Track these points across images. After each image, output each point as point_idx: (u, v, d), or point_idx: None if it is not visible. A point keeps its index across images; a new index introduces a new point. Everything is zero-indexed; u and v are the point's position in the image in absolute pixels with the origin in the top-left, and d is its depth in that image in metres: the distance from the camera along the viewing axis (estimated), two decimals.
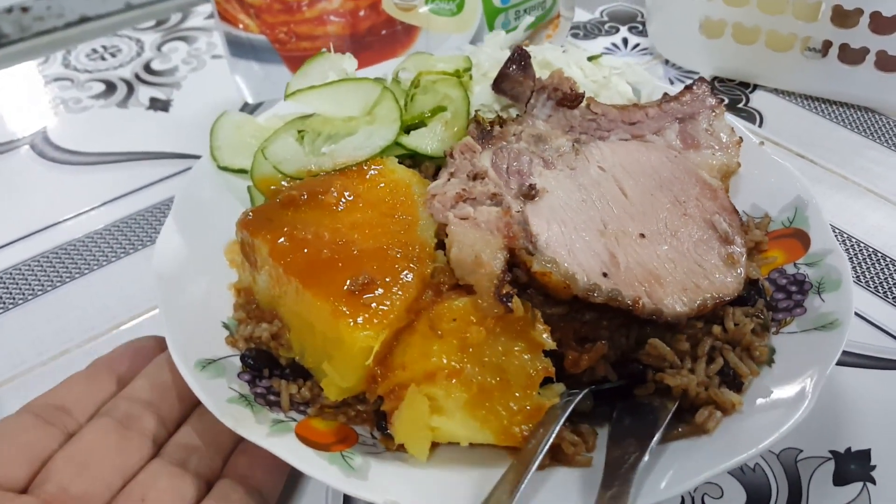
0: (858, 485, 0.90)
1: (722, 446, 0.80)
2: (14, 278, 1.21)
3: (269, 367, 0.90)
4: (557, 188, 0.97)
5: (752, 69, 1.63)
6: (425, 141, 1.05)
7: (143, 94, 1.67)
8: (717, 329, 0.91)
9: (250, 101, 1.56)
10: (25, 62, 1.79)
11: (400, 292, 0.83)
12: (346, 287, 0.82)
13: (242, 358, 0.90)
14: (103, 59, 1.79)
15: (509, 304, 0.80)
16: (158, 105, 1.63)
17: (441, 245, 0.91)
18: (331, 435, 0.84)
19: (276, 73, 1.47)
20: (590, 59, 1.27)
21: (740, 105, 1.59)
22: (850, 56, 1.50)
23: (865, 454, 0.94)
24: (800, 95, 1.61)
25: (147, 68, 1.75)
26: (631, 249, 0.93)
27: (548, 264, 0.85)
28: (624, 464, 0.77)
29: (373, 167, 0.99)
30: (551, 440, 0.79)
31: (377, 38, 1.44)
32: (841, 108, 1.56)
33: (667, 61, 1.73)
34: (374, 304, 0.81)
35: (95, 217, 1.33)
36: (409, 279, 0.85)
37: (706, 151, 1.08)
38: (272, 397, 0.87)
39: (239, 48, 1.48)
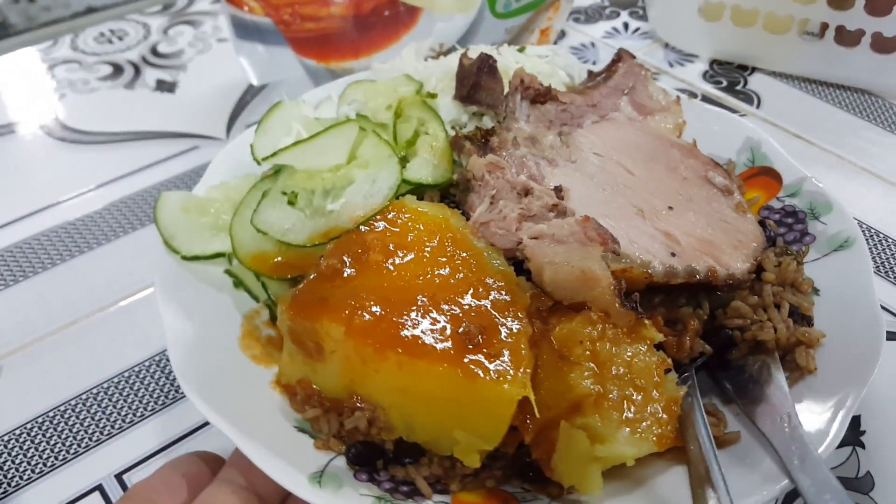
0: (848, 449, 0.90)
1: (837, 378, 0.80)
2: (24, 252, 1.19)
3: (378, 458, 0.78)
4: (574, 184, 0.91)
5: (750, 52, 1.58)
6: (424, 171, 0.94)
7: (150, 75, 1.62)
8: (769, 276, 0.89)
9: (255, 82, 1.50)
10: (35, 46, 1.73)
11: (516, 329, 0.74)
12: (459, 343, 0.72)
13: (348, 458, 0.77)
14: (110, 42, 1.74)
15: (638, 308, 0.76)
16: (165, 86, 1.59)
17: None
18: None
19: (281, 54, 1.41)
20: (518, 51, 1.21)
21: (738, 87, 1.54)
22: (847, 38, 1.45)
23: (856, 420, 0.93)
24: (797, 78, 1.56)
25: (154, 51, 1.70)
26: (674, 224, 0.90)
27: (624, 260, 0.79)
28: (784, 427, 0.75)
29: (399, 212, 0.86)
30: (709, 427, 0.75)
31: (380, 18, 1.36)
32: (838, 91, 1.52)
33: (667, 45, 1.67)
34: (504, 351, 0.72)
35: (103, 194, 1.31)
36: (519, 315, 0.76)
37: (658, 116, 1.08)
38: (405, 487, 0.76)
39: (244, 30, 1.42)
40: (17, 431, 0.94)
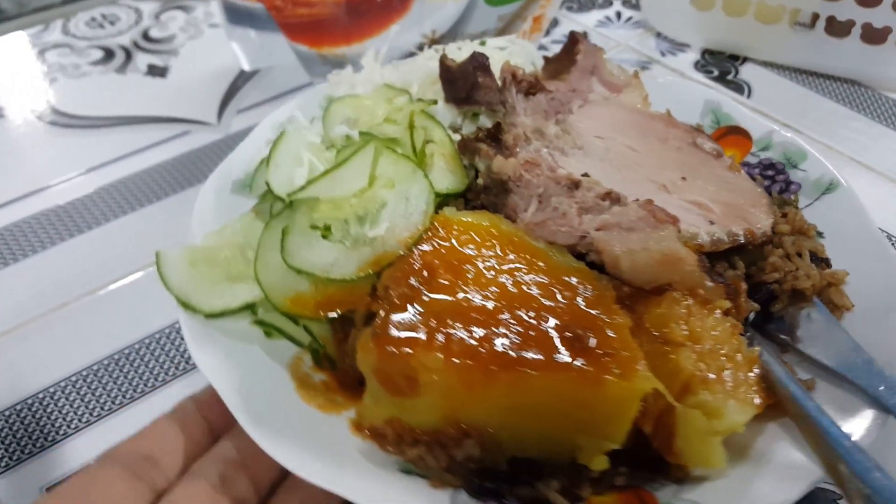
0: None
1: (874, 307, 0.82)
2: (15, 235, 1.15)
3: (501, 483, 0.73)
4: (591, 169, 0.86)
5: (741, 41, 1.52)
6: (447, 181, 0.88)
7: (141, 60, 1.56)
8: (784, 227, 0.87)
9: (247, 68, 1.45)
10: (26, 30, 1.66)
11: (619, 322, 0.70)
12: (571, 349, 0.67)
13: (472, 490, 0.71)
14: (102, 27, 1.66)
15: (725, 280, 0.74)
16: (156, 71, 1.53)
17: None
18: (629, 502, 0.71)
19: (273, 40, 1.35)
20: (480, 44, 1.14)
21: (729, 77, 1.48)
22: (837, 29, 1.38)
23: None
24: (788, 68, 1.49)
25: (145, 36, 1.63)
26: (696, 193, 0.87)
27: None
28: (857, 361, 0.75)
29: (447, 227, 0.79)
30: (794, 379, 0.74)
31: (373, 5, 1.33)
32: (827, 81, 1.46)
33: (659, 34, 1.61)
34: (617, 347, 0.68)
35: (94, 177, 1.26)
36: (612, 307, 0.72)
37: (626, 91, 1.04)
38: None
39: (236, 15, 1.36)
40: (7, 413, 0.91)
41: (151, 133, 1.38)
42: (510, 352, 0.67)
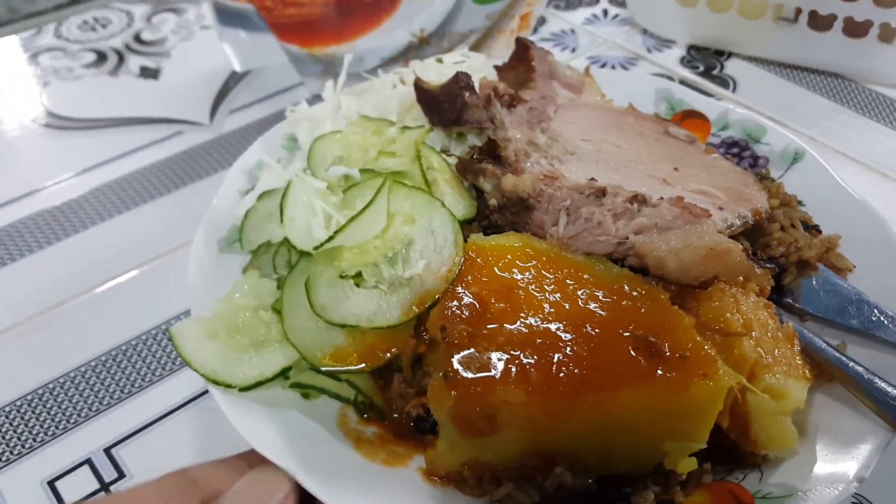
0: None
1: (875, 262, 0.84)
2: (11, 236, 1.16)
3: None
4: (592, 173, 0.85)
5: (726, 37, 1.54)
6: (461, 207, 0.86)
7: (134, 62, 1.57)
8: (773, 201, 0.88)
9: (238, 69, 1.47)
10: (19, 34, 1.67)
11: (684, 321, 0.70)
12: (648, 359, 0.66)
13: None
14: (94, 30, 1.67)
15: (769, 263, 0.75)
16: (148, 73, 1.54)
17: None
18: (723, 498, 0.71)
19: (264, 40, 1.35)
20: (437, 61, 1.13)
21: (715, 72, 1.50)
22: (820, 23, 1.41)
23: None
24: (772, 62, 1.51)
25: (137, 38, 1.65)
26: (695, 181, 0.87)
27: None
28: (882, 319, 0.79)
29: (483, 255, 0.77)
30: (832, 346, 0.76)
31: (362, 3, 1.35)
32: (811, 75, 1.48)
33: (645, 31, 1.63)
34: (690, 348, 0.67)
35: (89, 178, 1.27)
36: (672, 308, 0.71)
37: (585, 91, 1.05)
38: None
39: (227, 17, 1.36)
40: (7, 409, 0.92)
41: (144, 134, 1.38)
42: (590, 373, 0.66)
